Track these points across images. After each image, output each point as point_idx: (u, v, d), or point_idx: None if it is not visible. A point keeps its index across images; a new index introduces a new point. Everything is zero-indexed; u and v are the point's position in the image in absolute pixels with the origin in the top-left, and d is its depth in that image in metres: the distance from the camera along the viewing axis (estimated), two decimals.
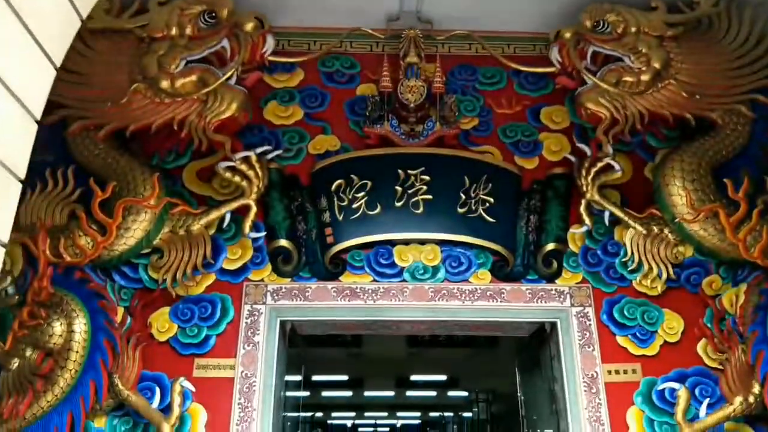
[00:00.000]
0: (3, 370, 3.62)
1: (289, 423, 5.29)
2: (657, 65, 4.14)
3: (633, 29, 4.24)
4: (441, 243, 4.45)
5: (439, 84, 4.53)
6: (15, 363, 3.61)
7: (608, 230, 4.42)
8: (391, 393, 14.29)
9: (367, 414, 17.10)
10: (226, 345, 4.15)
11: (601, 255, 4.42)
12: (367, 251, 4.43)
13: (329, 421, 17.20)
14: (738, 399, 3.77)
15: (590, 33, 4.26)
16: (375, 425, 18.78)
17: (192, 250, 4.12)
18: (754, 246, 3.92)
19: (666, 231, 4.25)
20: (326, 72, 4.93)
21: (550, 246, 4.41)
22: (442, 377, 12.92)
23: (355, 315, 4.38)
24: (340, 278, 4.38)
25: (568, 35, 4.28)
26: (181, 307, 4.18)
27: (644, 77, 4.12)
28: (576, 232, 4.40)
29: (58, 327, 3.71)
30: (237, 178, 4.18)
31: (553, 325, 4.38)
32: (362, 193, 4.39)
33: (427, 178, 4.41)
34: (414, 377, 13.06)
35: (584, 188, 4.28)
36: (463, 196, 4.40)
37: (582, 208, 4.27)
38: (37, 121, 2.28)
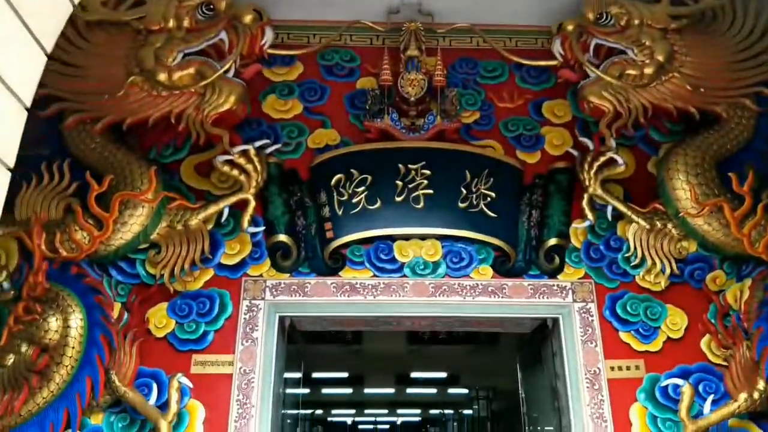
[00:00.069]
0: None
1: (289, 420, 5.25)
2: (661, 58, 4.10)
3: (636, 21, 4.20)
4: (442, 238, 4.41)
5: (440, 77, 4.48)
6: (10, 359, 3.58)
7: (611, 225, 4.38)
8: (391, 390, 14.25)
9: (367, 411, 17.07)
10: (224, 341, 4.11)
11: (603, 250, 4.38)
12: (367, 246, 4.39)
13: (329, 419, 17.18)
14: (743, 395, 3.73)
15: (593, 25, 4.22)
16: (375, 422, 18.75)
17: (190, 245, 4.07)
18: (758, 241, 3.88)
19: (669, 226, 4.21)
20: (326, 65, 4.88)
21: (552, 241, 4.38)
22: (443, 374, 12.89)
23: (355, 311, 4.34)
24: (340, 274, 4.34)
25: (570, 28, 4.24)
26: (178, 303, 4.14)
27: (648, 70, 4.08)
28: (578, 227, 4.36)
29: (53, 322, 3.67)
30: (235, 172, 4.13)
31: (555, 321, 4.34)
32: (362, 188, 4.35)
33: (427, 172, 4.37)
34: (414, 374, 13.03)
35: (587, 183, 4.24)
36: (464, 191, 4.36)
37: (584, 203, 4.24)
38: (27, 109, 2.23)
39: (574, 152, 4.42)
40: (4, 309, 3.58)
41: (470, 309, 4.33)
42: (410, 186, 4.36)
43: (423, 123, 4.45)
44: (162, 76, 3.92)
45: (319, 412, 15.47)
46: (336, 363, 11.07)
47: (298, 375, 5.55)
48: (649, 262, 4.20)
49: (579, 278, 4.35)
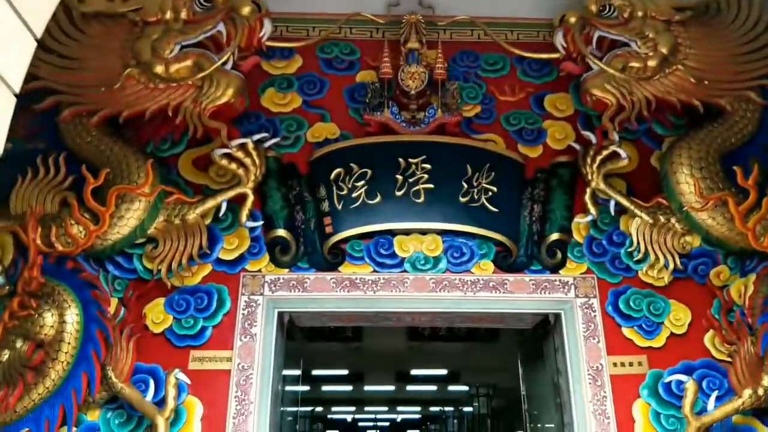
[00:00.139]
0: None
1: (289, 418, 5.22)
2: (664, 50, 4.06)
3: (640, 13, 4.16)
4: (442, 233, 4.36)
5: (440, 70, 4.44)
6: (5, 354, 3.53)
7: (614, 220, 4.33)
8: (391, 387, 14.24)
9: (367, 408, 17.05)
10: (222, 337, 4.06)
11: (606, 245, 4.34)
12: (367, 241, 4.34)
13: (329, 416, 17.16)
14: (747, 392, 3.68)
15: (596, 17, 4.17)
16: (375, 420, 18.73)
17: (187, 239, 4.03)
18: (763, 235, 3.85)
19: (673, 220, 4.16)
20: (325, 58, 4.84)
21: (554, 236, 4.33)
22: (443, 372, 12.88)
23: (354, 306, 4.30)
24: (340, 269, 4.30)
25: (573, 20, 4.20)
26: (176, 298, 4.09)
27: (651, 63, 4.04)
28: (581, 221, 4.33)
29: (49, 318, 3.62)
30: (233, 166, 4.08)
31: (557, 316, 4.30)
32: (362, 182, 4.30)
33: (428, 166, 4.32)
34: (414, 372, 13.01)
35: (589, 177, 4.20)
36: (465, 185, 4.31)
37: (587, 197, 4.20)
38: (15, 95, 2.18)
39: (577, 146, 4.37)
40: None
41: (471, 304, 4.29)
42: (410, 180, 4.32)
43: (423, 116, 4.41)
44: (159, 69, 3.87)
45: (319, 409, 15.46)
46: (336, 360, 11.05)
47: (297, 372, 5.52)
48: (652, 257, 4.16)
49: (581, 273, 4.31)
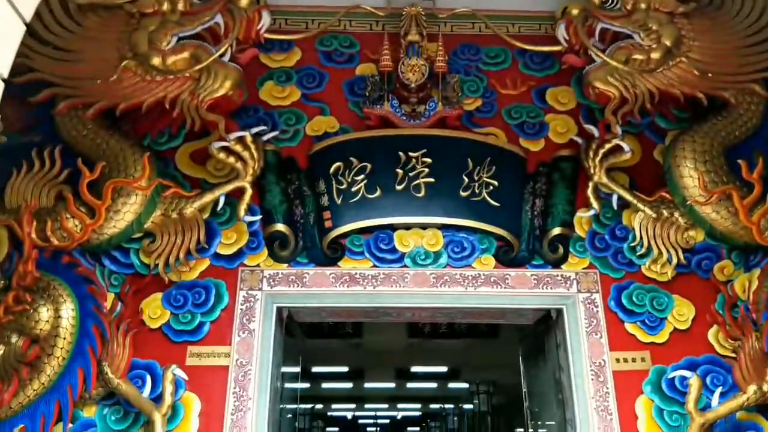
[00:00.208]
0: None
1: (289, 415, 5.18)
2: (668, 42, 4.01)
3: (643, 5, 4.11)
4: (443, 227, 4.32)
5: (441, 63, 4.40)
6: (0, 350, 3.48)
7: (616, 214, 4.30)
8: (391, 384, 14.21)
9: (367, 406, 17.03)
10: (220, 332, 4.02)
11: (608, 239, 4.30)
12: (367, 236, 4.30)
13: (329, 413, 17.14)
14: (752, 388, 3.64)
15: (598, 9, 4.14)
16: (375, 417, 18.70)
17: (185, 234, 3.99)
18: None
19: (676, 215, 4.12)
20: (324, 51, 4.79)
21: (556, 230, 4.29)
22: (443, 368, 12.84)
23: (354, 301, 4.26)
24: (339, 264, 4.25)
25: (575, 12, 4.17)
26: (173, 293, 4.05)
27: (654, 55, 3.99)
28: (583, 215, 4.29)
29: (44, 313, 3.58)
30: (231, 159, 4.04)
31: (559, 311, 4.26)
32: (362, 176, 4.26)
33: (428, 160, 4.28)
34: (414, 369, 12.98)
35: (591, 171, 4.17)
36: (466, 179, 4.27)
37: (589, 192, 4.17)
38: (3, 80, 2.13)
39: (579, 140, 4.34)
40: None
41: (472, 300, 4.25)
42: (411, 174, 4.28)
43: (424, 110, 4.38)
44: (156, 61, 3.83)
45: (319, 406, 15.43)
46: (336, 357, 11.02)
47: (297, 369, 5.47)
48: (655, 251, 4.12)
49: (583, 268, 4.27)
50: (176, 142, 4.37)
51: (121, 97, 3.81)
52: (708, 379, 3.86)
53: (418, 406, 17.49)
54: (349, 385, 13.90)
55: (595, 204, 4.15)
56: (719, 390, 3.78)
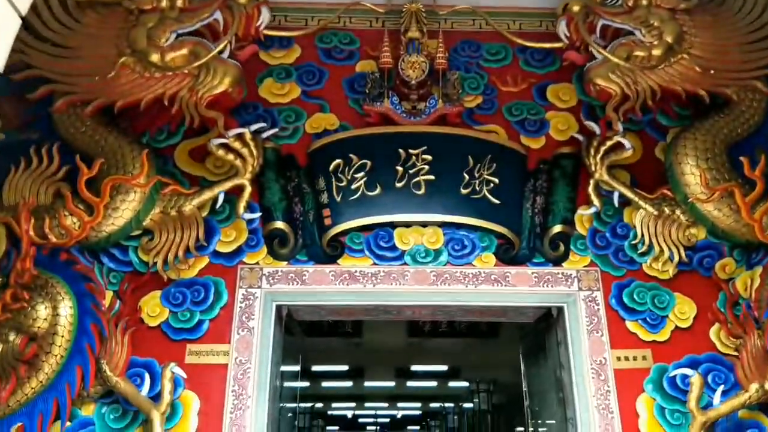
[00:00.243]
0: None
1: (289, 414, 5.16)
2: (669, 39, 3.98)
3: (644, 1, 4.08)
4: (443, 225, 4.30)
5: (441, 60, 4.37)
6: None
7: (617, 211, 4.28)
8: (391, 383, 14.21)
9: (367, 404, 17.03)
10: (219, 330, 4.00)
11: (609, 237, 4.28)
12: (367, 234, 4.28)
13: (329, 412, 17.13)
14: (754, 386, 3.63)
15: (600, 6, 4.12)
16: (375, 416, 18.71)
17: (184, 231, 3.96)
18: None
19: (678, 212, 4.10)
20: (324, 48, 4.77)
21: (557, 228, 4.27)
22: (443, 367, 12.84)
23: (354, 299, 4.25)
24: (339, 261, 4.23)
25: (576, 8, 4.12)
26: (172, 291, 4.03)
27: (656, 51, 3.96)
28: (584, 213, 4.27)
29: (42, 310, 3.56)
30: (230, 156, 4.02)
31: (560, 309, 4.24)
32: (361, 174, 4.24)
33: (429, 157, 4.26)
34: (414, 367, 12.98)
35: (593, 168, 4.15)
36: (467, 177, 4.25)
37: (590, 189, 4.14)
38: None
39: (580, 137, 4.31)
40: None
41: (472, 298, 4.23)
42: (411, 171, 4.25)
43: (424, 107, 4.35)
44: (154, 57, 3.80)
45: (318, 405, 15.42)
46: (335, 356, 11.02)
47: (296, 368, 5.46)
48: (656, 249, 4.10)
49: (584, 266, 4.25)
50: (175, 139, 4.34)
51: (120, 94, 3.77)
52: (710, 378, 3.84)
53: (418, 404, 17.48)
54: (349, 383, 13.90)
55: (596, 201, 4.13)
56: (721, 388, 3.76)
